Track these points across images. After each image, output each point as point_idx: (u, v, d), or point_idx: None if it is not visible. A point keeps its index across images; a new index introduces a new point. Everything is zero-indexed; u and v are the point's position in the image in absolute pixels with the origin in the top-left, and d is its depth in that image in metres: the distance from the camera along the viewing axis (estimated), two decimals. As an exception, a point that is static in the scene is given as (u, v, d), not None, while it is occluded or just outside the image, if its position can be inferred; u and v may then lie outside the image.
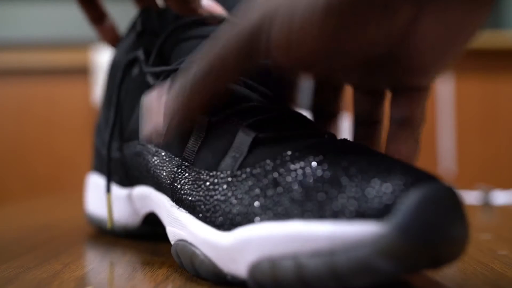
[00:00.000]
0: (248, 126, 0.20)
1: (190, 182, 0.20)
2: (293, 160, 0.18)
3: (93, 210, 0.31)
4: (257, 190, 0.17)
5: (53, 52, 1.31)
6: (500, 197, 0.50)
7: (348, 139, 0.20)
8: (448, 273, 0.20)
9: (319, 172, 0.16)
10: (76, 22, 1.37)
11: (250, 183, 0.18)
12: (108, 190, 0.28)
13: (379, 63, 0.19)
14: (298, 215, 0.16)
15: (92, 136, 1.31)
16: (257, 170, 0.18)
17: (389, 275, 0.14)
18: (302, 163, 0.17)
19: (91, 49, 1.30)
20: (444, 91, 1.37)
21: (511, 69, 1.38)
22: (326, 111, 0.24)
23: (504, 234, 0.30)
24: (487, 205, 0.46)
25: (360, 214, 0.14)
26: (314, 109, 0.25)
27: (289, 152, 0.18)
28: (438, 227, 0.14)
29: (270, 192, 0.17)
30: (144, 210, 0.27)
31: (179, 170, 0.21)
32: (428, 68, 0.19)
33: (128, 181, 0.28)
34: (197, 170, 0.20)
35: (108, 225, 0.28)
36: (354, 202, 0.15)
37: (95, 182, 0.31)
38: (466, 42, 0.18)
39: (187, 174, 0.21)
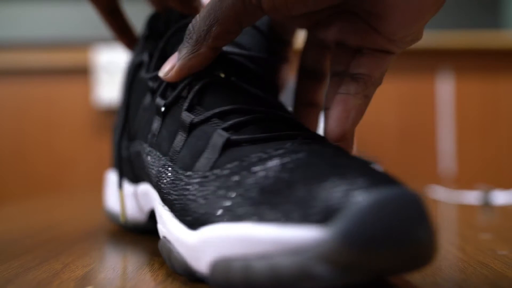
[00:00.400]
0: (225, 128, 0.20)
1: (170, 181, 0.21)
2: (258, 162, 0.18)
3: (111, 206, 0.33)
4: (223, 191, 0.18)
5: (53, 52, 1.31)
6: (500, 197, 0.50)
7: (325, 141, 0.20)
8: (448, 273, 0.20)
9: (279, 175, 0.17)
10: (76, 22, 1.37)
11: (217, 184, 0.18)
12: (120, 186, 0.29)
13: (353, 21, 0.21)
14: (252, 218, 0.16)
15: (92, 136, 1.31)
16: (224, 172, 0.19)
17: (331, 282, 0.14)
18: (265, 166, 0.17)
19: (91, 49, 1.30)
20: (444, 91, 1.37)
21: (511, 69, 1.38)
22: (316, 72, 0.25)
23: (504, 234, 0.30)
24: (487, 205, 0.46)
25: (305, 218, 0.14)
26: (304, 71, 0.26)
27: (257, 154, 0.18)
28: (385, 235, 0.13)
29: (233, 194, 0.17)
30: (147, 207, 0.28)
31: (163, 169, 0.22)
32: (394, 32, 0.20)
33: (135, 179, 0.29)
34: (177, 169, 0.21)
35: (122, 219, 0.30)
36: (301, 206, 0.15)
37: (112, 180, 0.33)
38: (430, 12, 0.19)
39: (169, 174, 0.21)
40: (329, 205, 0.14)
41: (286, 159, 0.17)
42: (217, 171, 0.19)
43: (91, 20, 1.36)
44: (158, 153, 0.23)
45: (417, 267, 0.15)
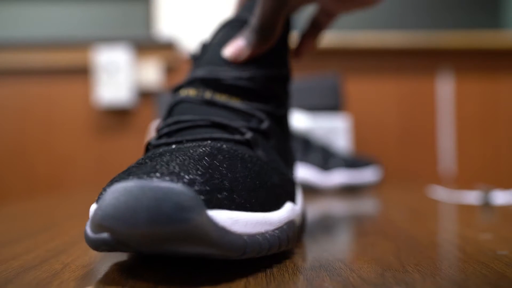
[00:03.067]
0: (160, 135, 0.27)
1: None
2: (143, 157, 0.24)
3: None
4: None
5: (53, 52, 1.31)
6: (500, 197, 0.50)
7: (200, 148, 0.24)
8: (448, 273, 0.20)
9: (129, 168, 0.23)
10: (76, 22, 1.37)
11: None
12: None
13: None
14: None
15: (92, 136, 1.31)
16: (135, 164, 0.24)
17: (90, 241, 0.20)
18: (136, 163, 0.23)
19: (91, 49, 1.30)
20: (444, 91, 1.37)
21: (511, 69, 1.38)
22: (316, 26, 0.35)
23: (504, 234, 0.30)
24: (487, 205, 0.46)
25: (99, 199, 0.21)
26: (310, 25, 0.36)
27: (149, 155, 0.24)
28: (114, 213, 0.18)
29: None
30: None
31: None
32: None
33: None
34: None
35: None
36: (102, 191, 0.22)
37: None
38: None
39: None
40: (105, 188, 0.21)
41: (148, 157, 0.23)
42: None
43: (91, 20, 1.36)
44: None
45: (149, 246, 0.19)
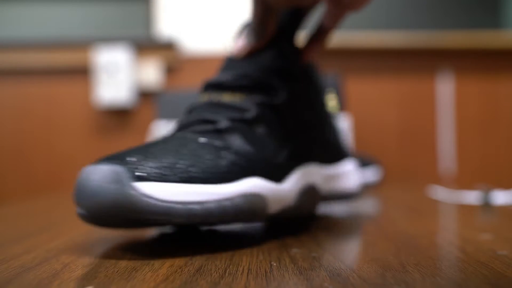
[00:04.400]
0: (178, 127, 0.31)
1: None
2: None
3: None
4: None
5: (53, 52, 1.31)
6: (500, 197, 0.50)
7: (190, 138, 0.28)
8: (448, 273, 0.20)
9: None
10: (76, 22, 1.37)
11: None
12: None
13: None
14: None
15: (92, 136, 1.31)
16: None
17: (80, 217, 0.24)
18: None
19: (91, 49, 1.30)
20: (444, 91, 1.37)
21: (511, 69, 1.38)
22: (322, 28, 0.37)
23: (504, 234, 0.30)
24: (487, 205, 0.46)
25: None
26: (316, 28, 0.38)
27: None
28: (76, 191, 0.23)
29: None
30: None
31: None
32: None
33: None
34: None
35: None
36: None
37: None
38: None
39: None
40: None
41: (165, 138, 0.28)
42: None
43: (91, 20, 1.36)
44: None
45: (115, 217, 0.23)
